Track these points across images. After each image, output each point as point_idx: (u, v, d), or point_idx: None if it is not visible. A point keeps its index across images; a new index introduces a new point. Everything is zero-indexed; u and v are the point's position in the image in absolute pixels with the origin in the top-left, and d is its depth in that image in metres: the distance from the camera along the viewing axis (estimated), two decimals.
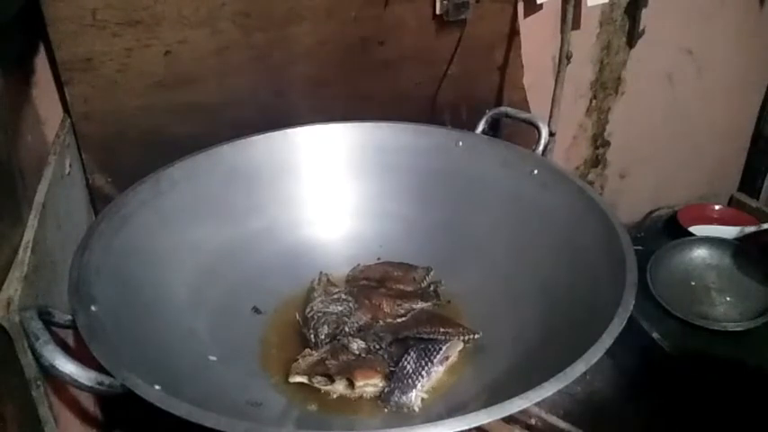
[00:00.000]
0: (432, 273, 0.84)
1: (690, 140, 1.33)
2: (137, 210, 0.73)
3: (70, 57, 0.79)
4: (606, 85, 1.20)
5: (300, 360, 0.72)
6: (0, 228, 0.57)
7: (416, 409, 0.67)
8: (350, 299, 0.78)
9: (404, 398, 0.67)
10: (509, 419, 0.80)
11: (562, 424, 0.82)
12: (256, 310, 0.79)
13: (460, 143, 0.88)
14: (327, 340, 0.74)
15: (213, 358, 0.70)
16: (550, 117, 1.08)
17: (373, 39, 0.94)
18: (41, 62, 0.79)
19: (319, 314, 0.76)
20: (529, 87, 1.08)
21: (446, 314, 0.79)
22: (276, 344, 0.76)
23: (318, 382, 0.70)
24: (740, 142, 1.39)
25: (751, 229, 1.23)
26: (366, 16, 0.92)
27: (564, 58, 1.05)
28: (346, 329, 0.75)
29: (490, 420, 0.50)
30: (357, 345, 0.73)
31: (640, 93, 1.23)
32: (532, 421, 0.81)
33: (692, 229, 1.26)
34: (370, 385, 0.69)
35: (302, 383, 0.70)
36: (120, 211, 0.72)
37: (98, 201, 0.87)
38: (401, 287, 0.82)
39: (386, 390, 0.69)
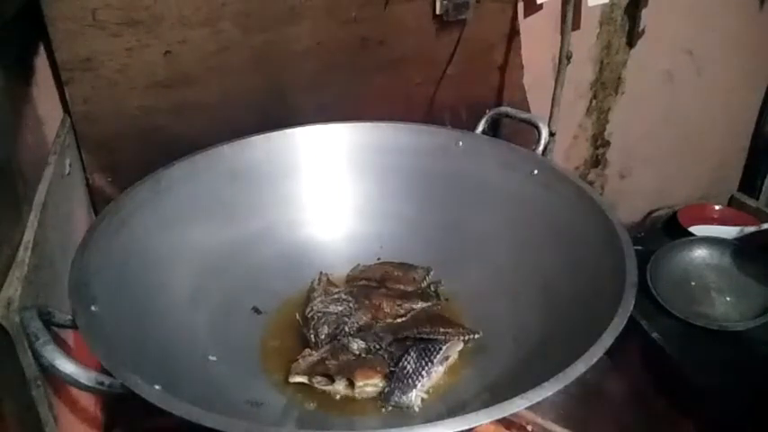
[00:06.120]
0: (432, 273, 0.84)
1: (690, 140, 1.33)
2: (137, 210, 0.73)
3: (70, 57, 0.79)
4: (606, 85, 1.20)
5: (300, 360, 0.72)
6: (0, 228, 0.57)
7: (416, 409, 0.67)
8: (350, 299, 0.78)
9: (404, 398, 0.67)
10: (507, 423, 0.80)
11: (559, 429, 0.82)
12: (256, 310, 0.79)
13: (460, 143, 0.88)
14: (327, 340, 0.74)
15: (213, 358, 0.70)
16: (550, 117, 1.08)
17: (373, 39, 0.94)
18: (41, 62, 0.79)
19: (319, 314, 0.76)
20: (529, 87, 1.08)
21: (446, 314, 0.79)
22: (276, 344, 0.76)
23: (318, 382, 0.70)
24: (740, 142, 1.39)
25: (751, 229, 1.23)
26: (366, 16, 0.92)
27: (564, 58, 1.05)
28: (346, 329, 0.75)
29: (490, 420, 0.50)
30: (357, 345, 0.73)
31: (640, 93, 1.22)
32: (529, 427, 0.81)
33: (691, 229, 1.26)
34: (370, 385, 0.69)
35: (302, 383, 0.70)
36: (121, 211, 0.72)
37: (98, 201, 0.87)
38: (401, 287, 0.82)
39: (386, 390, 0.69)
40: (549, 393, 0.52)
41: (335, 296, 0.78)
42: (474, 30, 0.98)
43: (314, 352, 0.73)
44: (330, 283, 0.82)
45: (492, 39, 1.03)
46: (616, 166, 1.31)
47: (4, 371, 0.54)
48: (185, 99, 0.87)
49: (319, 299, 0.78)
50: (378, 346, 0.73)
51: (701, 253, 1.17)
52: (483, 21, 0.99)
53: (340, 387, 0.69)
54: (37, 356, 0.53)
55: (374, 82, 0.97)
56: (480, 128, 0.92)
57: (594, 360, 0.54)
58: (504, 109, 0.94)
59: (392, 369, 0.70)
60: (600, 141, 1.27)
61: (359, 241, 0.88)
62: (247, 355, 0.74)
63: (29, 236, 0.60)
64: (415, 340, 0.74)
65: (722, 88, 1.28)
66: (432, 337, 0.74)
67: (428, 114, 1.01)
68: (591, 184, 1.29)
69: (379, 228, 0.89)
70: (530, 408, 0.53)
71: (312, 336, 0.75)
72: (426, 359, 0.70)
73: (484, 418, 0.50)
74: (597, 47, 1.15)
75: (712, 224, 1.30)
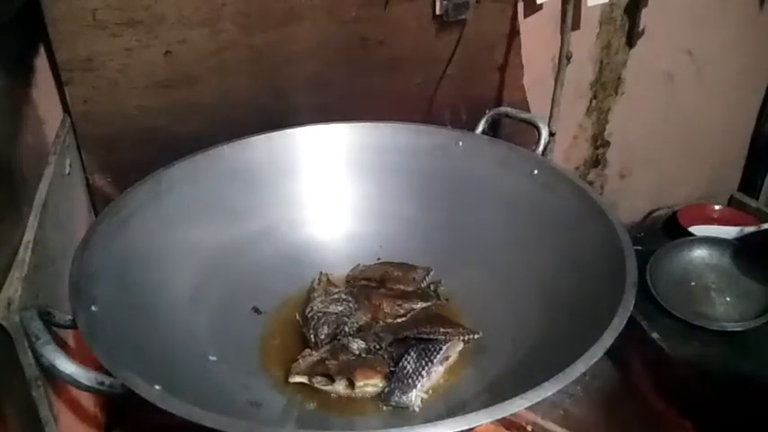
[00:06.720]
0: (432, 273, 0.84)
1: (690, 140, 1.33)
2: (137, 210, 0.73)
3: (70, 57, 0.79)
4: (606, 85, 1.20)
5: (300, 360, 0.72)
6: (0, 228, 0.57)
7: (416, 409, 0.67)
8: (350, 299, 0.78)
9: (404, 398, 0.67)
10: (507, 423, 0.80)
11: (559, 429, 0.82)
12: (256, 310, 0.79)
13: (460, 143, 0.88)
14: (327, 340, 0.74)
15: (213, 358, 0.70)
16: (550, 117, 1.09)
17: (373, 39, 0.94)
18: (41, 62, 0.79)
19: (319, 314, 0.76)
20: (529, 87, 1.08)
21: (446, 314, 0.79)
22: (276, 344, 0.76)
23: (318, 382, 0.70)
24: (740, 142, 1.39)
25: (751, 229, 1.23)
26: (366, 16, 0.92)
27: (564, 58, 1.06)
28: (346, 329, 0.75)
29: (490, 420, 0.50)
30: (357, 345, 0.73)
31: (640, 93, 1.23)
32: (529, 428, 0.81)
33: (691, 229, 1.26)
34: (370, 385, 0.69)
35: (302, 383, 0.70)
36: (121, 211, 0.72)
37: (98, 201, 0.87)
38: (401, 287, 0.82)
39: (386, 390, 0.69)
40: (549, 393, 0.52)
41: (335, 296, 0.78)
42: (474, 30, 0.98)
43: (314, 352, 0.73)
44: (330, 283, 0.82)
45: (492, 39, 1.03)
46: (616, 166, 1.31)
47: (4, 371, 0.54)
48: (185, 99, 0.87)
49: (319, 299, 0.78)
50: (378, 346, 0.73)
51: (700, 253, 1.17)
52: (483, 21, 0.99)
53: (340, 387, 0.69)
54: (37, 356, 0.53)
55: (374, 82, 0.97)
56: (480, 128, 0.92)
57: (594, 360, 0.54)
58: (504, 109, 0.94)
59: (392, 369, 0.70)
60: (600, 141, 1.27)
61: (359, 241, 0.88)
62: (247, 355, 0.74)
63: (29, 236, 0.60)
64: (415, 340, 0.74)
65: (722, 88, 1.28)
66: (432, 337, 0.74)
67: (428, 114, 1.01)
68: (591, 184, 1.29)
69: (378, 228, 0.89)
70: (530, 408, 0.53)
71: (312, 336, 0.75)
72: (426, 359, 0.70)
73: (484, 418, 0.50)
74: (597, 47, 1.15)
75: (712, 224, 1.30)
